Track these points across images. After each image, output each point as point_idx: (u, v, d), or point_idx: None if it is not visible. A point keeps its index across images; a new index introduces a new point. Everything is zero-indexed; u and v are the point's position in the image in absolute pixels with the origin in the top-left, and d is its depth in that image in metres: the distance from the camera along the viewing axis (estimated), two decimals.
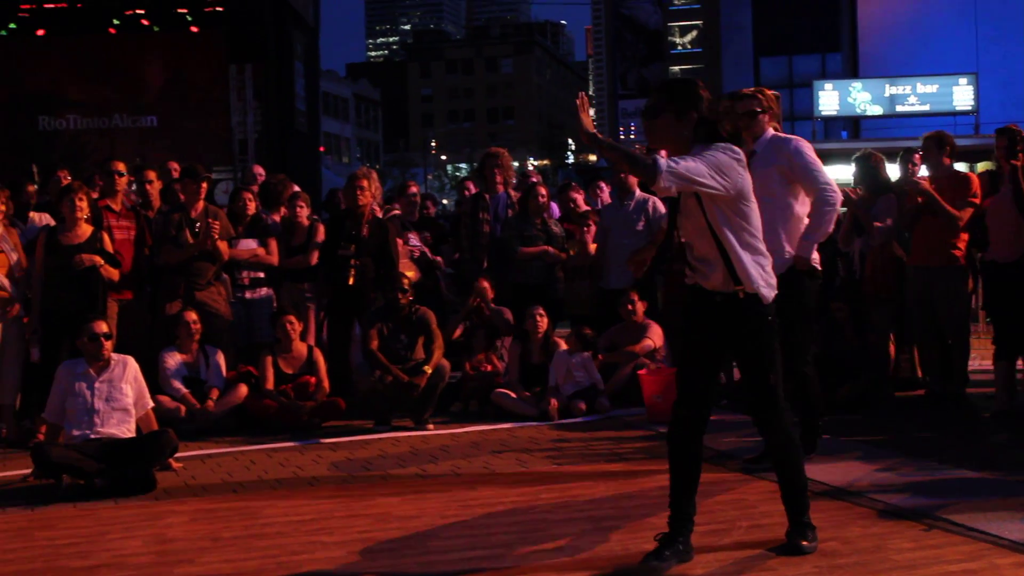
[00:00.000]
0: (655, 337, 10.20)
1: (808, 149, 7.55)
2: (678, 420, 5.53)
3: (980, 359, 10.77)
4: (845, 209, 11.00)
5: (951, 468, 7.29)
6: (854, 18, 41.90)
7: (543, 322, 10.03)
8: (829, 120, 37.87)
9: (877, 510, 6.26)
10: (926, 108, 35.81)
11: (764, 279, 5.39)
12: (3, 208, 9.27)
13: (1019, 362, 9.77)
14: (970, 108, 36.03)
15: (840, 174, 15.22)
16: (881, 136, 31.34)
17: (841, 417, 9.20)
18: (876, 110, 36.79)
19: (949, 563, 5.25)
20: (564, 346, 9.99)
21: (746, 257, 5.32)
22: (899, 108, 36.38)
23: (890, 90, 36.78)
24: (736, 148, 5.31)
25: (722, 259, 5.31)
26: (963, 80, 36.51)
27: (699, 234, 5.37)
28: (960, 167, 10.54)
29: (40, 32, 23.06)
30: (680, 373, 5.72)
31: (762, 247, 5.43)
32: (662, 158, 5.14)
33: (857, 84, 37.86)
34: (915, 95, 36.60)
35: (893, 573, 5.12)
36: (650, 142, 5.72)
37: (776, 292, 5.46)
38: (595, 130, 5.34)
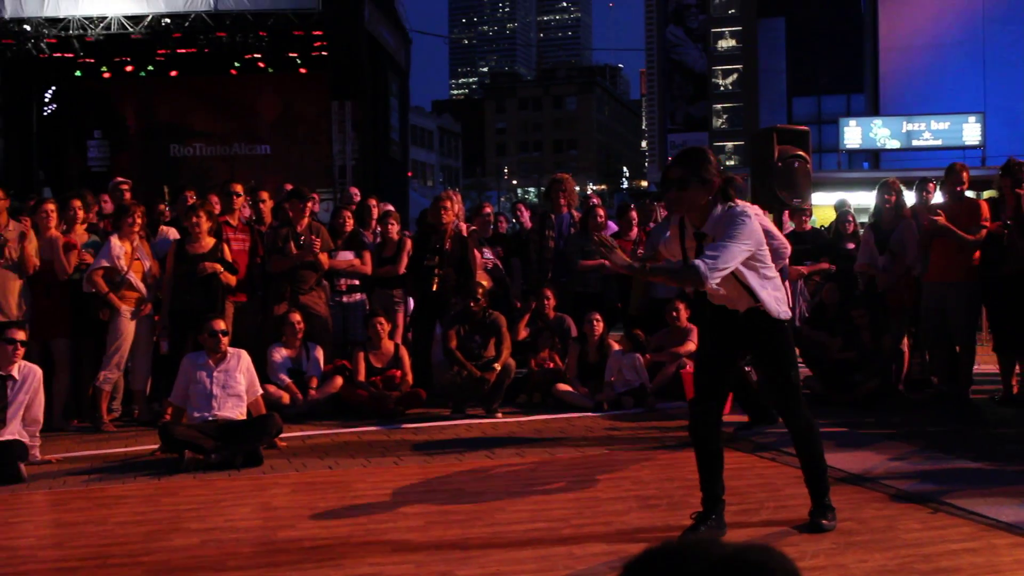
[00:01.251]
0: (696, 340, 10.13)
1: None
2: (695, 416, 5.54)
3: (983, 363, 10.60)
4: (863, 231, 10.91)
5: (955, 458, 7.19)
6: (876, 63, 41.43)
7: (599, 326, 10.00)
8: (853, 152, 37.51)
9: (889, 494, 6.19)
10: (939, 143, 35.40)
11: (779, 304, 5.43)
12: (140, 222, 9.42)
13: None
14: (978, 143, 35.56)
15: (862, 200, 15.08)
16: (899, 167, 30.91)
17: (859, 412, 9.11)
18: (894, 144, 36.38)
19: (952, 542, 5.18)
20: (617, 347, 9.96)
21: (763, 290, 5.36)
22: (915, 142, 35.96)
23: (907, 126, 36.35)
24: (749, 210, 5.30)
25: (746, 292, 5.36)
26: (972, 118, 36.06)
27: (724, 280, 5.30)
28: (969, 195, 10.40)
29: (173, 73, 23.46)
30: (697, 376, 5.77)
31: (775, 276, 5.48)
32: (701, 264, 5.06)
33: (878, 121, 37.47)
34: (929, 131, 36.17)
35: (902, 550, 5.05)
36: (675, 210, 5.50)
37: (790, 314, 5.54)
38: (630, 261, 5.31)
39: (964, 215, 9.54)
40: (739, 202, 5.30)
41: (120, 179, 11.69)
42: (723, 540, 1.27)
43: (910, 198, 10.63)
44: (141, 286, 9.27)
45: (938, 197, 10.45)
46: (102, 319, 9.18)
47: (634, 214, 11.76)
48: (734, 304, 5.44)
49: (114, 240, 9.22)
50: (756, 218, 5.42)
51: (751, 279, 5.31)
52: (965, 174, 9.76)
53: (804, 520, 5.50)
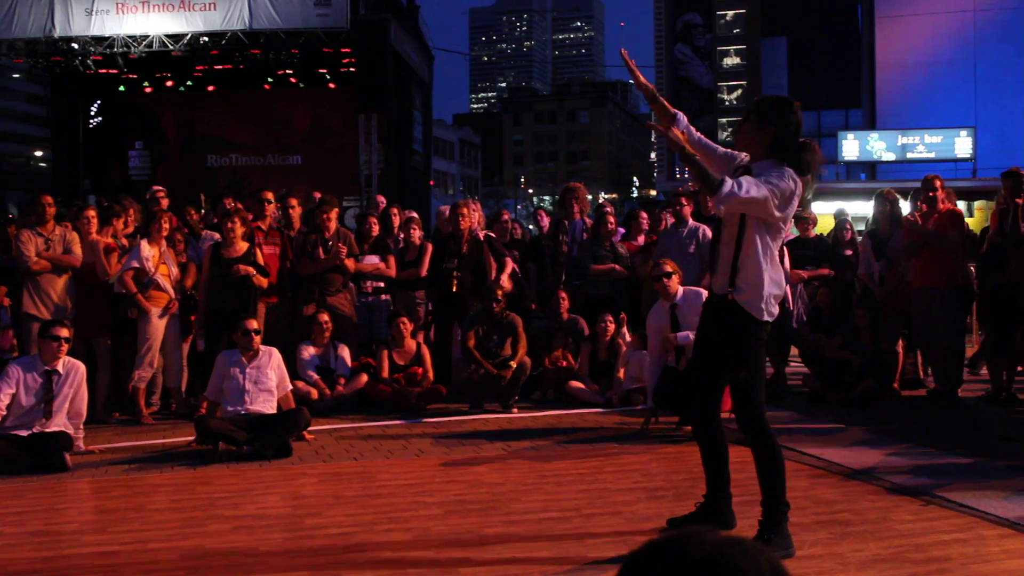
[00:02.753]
0: None
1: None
2: (693, 414, 5.40)
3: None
4: (861, 239, 10.87)
5: (947, 454, 7.15)
6: (872, 80, 41.30)
7: (611, 327, 9.96)
8: (850, 164, 37.36)
9: (883, 488, 6.15)
10: (932, 155, 35.23)
11: (763, 301, 4.92)
12: (167, 227, 9.42)
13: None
14: (969, 156, 35.40)
15: (860, 209, 15.02)
16: (894, 178, 30.79)
17: (855, 410, 9.06)
18: (890, 156, 36.23)
19: (943, 533, 5.14)
20: (624, 349, 9.91)
21: (756, 274, 4.90)
22: (909, 155, 35.80)
23: (902, 140, 36.21)
24: (798, 179, 4.83)
25: (731, 266, 4.93)
26: (963, 132, 35.90)
27: (728, 241, 4.99)
28: (960, 205, 10.38)
29: (210, 88, 23.55)
30: (692, 374, 5.49)
31: (779, 275, 5.04)
32: (729, 181, 4.70)
33: (874, 135, 37.33)
34: (923, 144, 36.01)
35: (896, 540, 5.02)
36: (735, 144, 5.20)
37: (771, 319, 4.99)
38: (684, 144, 4.85)
39: (942, 223, 9.53)
40: (797, 177, 4.83)
41: (157, 187, 11.72)
42: (708, 535, 1.26)
43: (905, 207, 10.59)
44: (168, 288, 9.28)
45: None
46: (131, 317, 9.20)
47: (644, 217, 11.75)
48: (715, 283, 5.07)
49: (143, 244, 9.24)
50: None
51: (756, 252, 4.91)
52: (938, 182, 9.73)
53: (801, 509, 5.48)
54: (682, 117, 4.98)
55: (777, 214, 4.84)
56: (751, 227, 4.91)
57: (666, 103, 5.07)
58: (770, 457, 5.03)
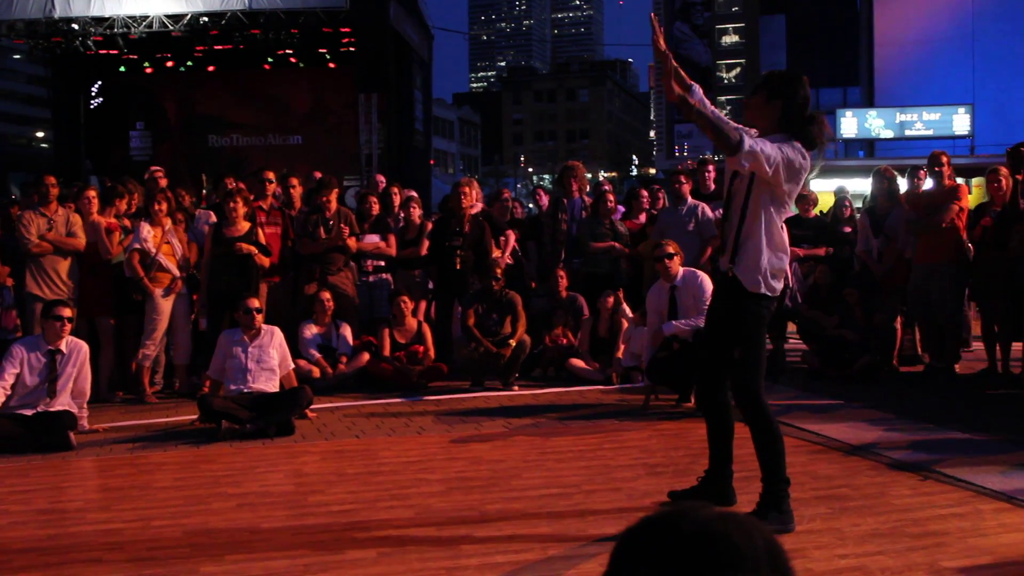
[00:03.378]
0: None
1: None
2: (699, 390, 5.42)
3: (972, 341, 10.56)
4: (859, 216, 10.85)
5: (944, 429, 7.16)
6: (871, 58, 41.16)
7: (610, 303, 9.94)
8: (849, 142, 37.28)
9: (882, 463, 6.17)
10: (930, 132, 35.13)
11: (760, 271, 4.88)
12: (165, 207, 9.39)
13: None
14: (967, 133, 35.33)
15: (858, 186, 14.99)
16: (892, 156, 30.69)
17: (854, 386, 9.07)
18: (888, 134, 36.13)
19: (940, 507, 5.16)
20: (626, 325, 9.90)
21: (756, 248, 4.87)
22: (907, 132, 35.70)
23: (900, 117, 36.11)
24: (806, 153, 4.82)
25: (735, 240, 4.92)
26: (962, 109, 35.80)
27: (732, 216, 4.96)
28: (960, 180, 10.37)
29: (210, 68, 23.48)
30: (701, 350, 5.52)
31: (782, 251, 4.96)
32: (748, 137, 4.68)
33: (872, 112, 37.23)
34: (921, 121, 35.91)
35: (894, 515, 5.04)
36: (744, 117, 5.14)
37: (773, 293, 4.94)
38: (684, 93, 4.79)
39: (943, 199, 9.53)
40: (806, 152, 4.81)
41: (155, 168, 11.68)
42: (702, 510, 1.25)
43: (903, 184, 10.57)
44: (172, 267, 9.27)
45: (928, 184, 10.40)
46: (136, 300, 9.19)
47: (644, 195, 11.75)
48: (723, 261, 5.04)
49: (143, 225, 9.22)
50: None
51: (757, 227, 4.86)
52: (944, 158, 9.73)
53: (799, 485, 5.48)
54: (697, 88, 4.92)
55: (785, 186, 4.81)
56: (755, 200, 4.88)
57: (683, 73, 4.98)
58: (768, 437, 5.01)
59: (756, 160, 4.67)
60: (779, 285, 5.01)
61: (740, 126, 4.86)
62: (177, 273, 9.29)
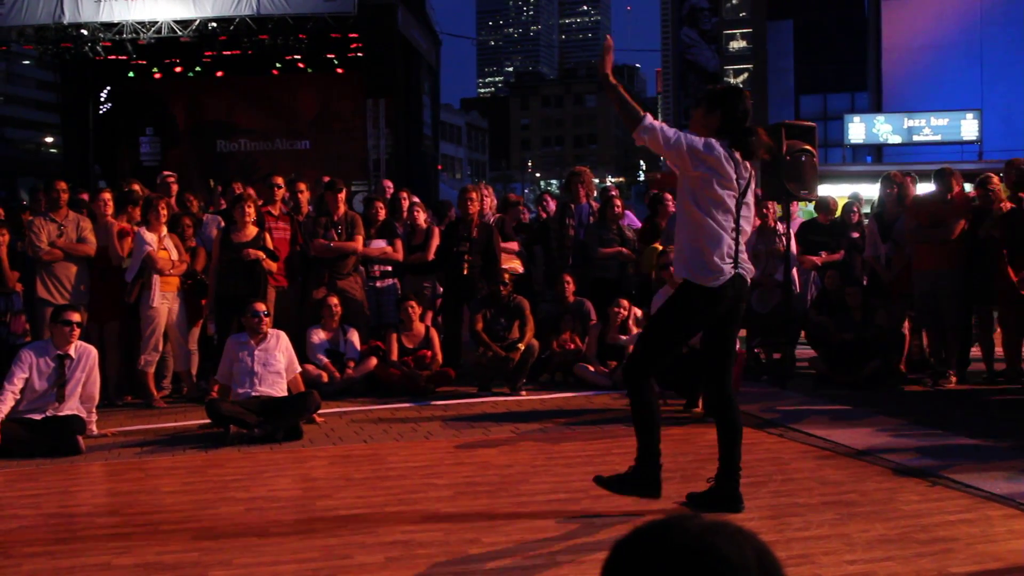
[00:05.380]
0: None
1: None
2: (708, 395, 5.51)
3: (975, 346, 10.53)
4: (868, 221, 10.84)
5: (952, 435, 7.14)
6: (878, 63, 41.05)
7: (623, 312, 9.89)
8: (856, 147, 37.19)
9: (889, 468, 6.15)
10: (938, 138, 35.05)
11: (685, 263, 5.16)
12: (165, 213, 9.40)
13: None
14: (975, 138, 35.21)
15: (865, 191, 14.96)
16: (900, 161, 30.59)
17: (862, 391, 9.06)
18: (896, 139, 36.06)
19: (949, 513, 5.14)
20: (636, 330, 9.89)
21: (680, 240, 5.21)
22: (915, 138, 35.62)
23: (908, 122, 36.03)
24: (721, 148, 5.05)
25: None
26: (970, 115, 35.69)
27: (679, 222, 5.33)
28: (967, 188, 10.37)
29: (219, 73, 23.52)
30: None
31: (712, 243, 5.07)
32: (650, 116, 5.07)
33: (880, 117, 37.14)
34: (929, 127, 35.82)
35: (902, 521, 5.03)
36: (690, 128, 5.39)
37: (700, 282, 5.09)
38: (608, 72, 5.20)
39: (949, 214, 9.53)
40: (723, 147, 5.05)
41: (167, 172, 11.72)
42: (692, 521, 1.26)
43: (916, 189, 10.60)
44: (168, 273, 9.26)
45: (919, 191, 10.48)
46: (128, 302, 9.18)
47: (669, 199, 11.75)
48: None
49: (143, 231, 9.23)
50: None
51: (680, 219, 5.25)
52: (955, 182, 9.73)
53: (807, 491, 5.48)
54: (647, 118, 5.11)
55: (693, 172, 5.05)
56: (680, 196, 5.25)
57: (633, 103, 5.17)
58: (637, 412, 5.29)
59: (653, 136, 5.02)
60: (713, 277, 5.09)
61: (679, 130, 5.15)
62: (172, 279, 9.28)
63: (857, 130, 36.38)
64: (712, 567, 1.19)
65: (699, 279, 5.10)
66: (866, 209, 12.47)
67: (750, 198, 5.27)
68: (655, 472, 5.25)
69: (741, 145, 5.14)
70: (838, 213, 11.53)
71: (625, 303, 9.93)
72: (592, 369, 9.83)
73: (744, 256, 5.24)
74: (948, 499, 5.43)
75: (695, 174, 5.06)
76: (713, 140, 5.09)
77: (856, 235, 11.02)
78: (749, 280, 5.32)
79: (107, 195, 9.65)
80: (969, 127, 35.44)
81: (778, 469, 6.21)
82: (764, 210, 10.41)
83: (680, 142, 5.02)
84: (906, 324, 10.14)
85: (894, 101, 39.33)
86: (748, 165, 5.26)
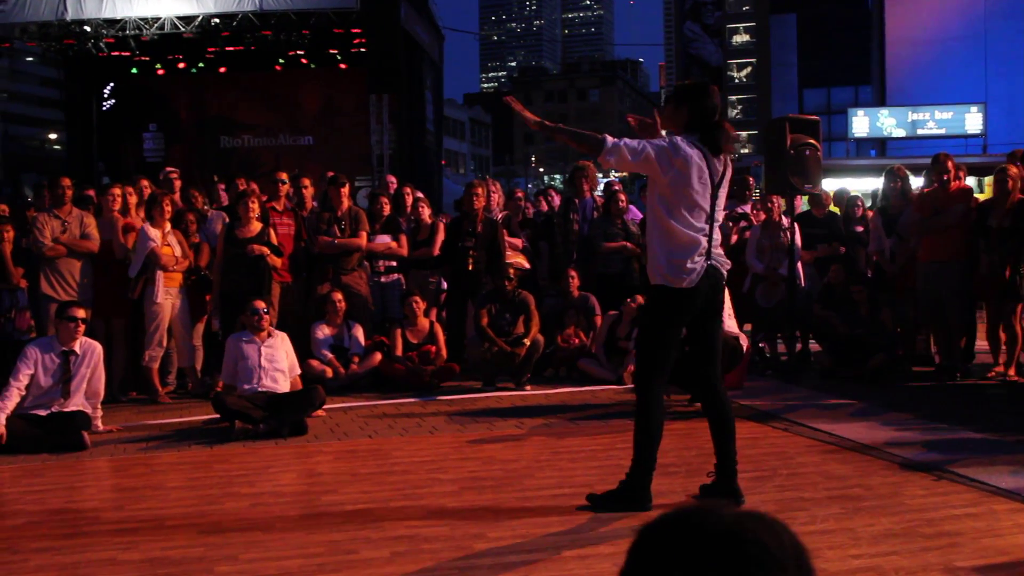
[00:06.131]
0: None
1: None
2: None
3: (980, 339, 10.50)
4: (871, 215, 10.82)
5: (958, 429, 7.14)
6: (882, 57, 40.98)
7: (635, 309, 9.82)
8: (860, 141, 37.16)
9: (895, 463, 6.14)
10: (942, 131, 35.02)
11: (655, 265, 5.19)
12: (169, 210, 9.41)
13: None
14: (979, 132, 35.19)
15: (869, 185, 14.96)
16: (904, 155, 30.55)
17: (866, 386, 9.05)
18: (900, 133, 36.02)
19: (954, 508, 5.14)
20: None
21: (651, 244, 5.25)
22: (919, 131, 35.59)
23: (912, 116, 36.00)
24: (688, 149, 5.07)
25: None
26: (974, 108, 35.66)
27: (649, 227, 5.38)
28: (970, 180, 10.34)
29: (222, 69, 23.54)
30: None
31: (683, 244, 5.11)
32: (611, 137, 5.10)
33: (884, 111, 37.10)
34: (933, 120, 35.79)
35: (907, 515, 5.02)
36: (660, 123, 5.43)
37: (673, 285, 5.13)
38: (539, 119, 5.31)
39: (950, 201, 9.51)
40: (688, 145, 5.07)
41: (170, 168, 11.72)
42: (725, 509, 1.24)
43: (916, 183, 10.56)
44: (172, 269, 9.27)
45: (919, 183, 10.42)
46: (132, 297, 9.19)
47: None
48: None
49: (147, 226, 9.24)
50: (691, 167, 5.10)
51: (650, 222, 5.30)
52: (950, 163, 9.66)
53: (814, 486, 5.48)
54: (608, 141, 5.13)
55: (663, 177, 5.08)
56: (650, 201, 5.29)
57: (583, 131, 5.33)
58: (640, 430, 5.29)
59: (619, 154, 5.04)
60: (686, 279, 5.13)
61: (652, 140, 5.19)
62: (175, 275, 9.29)
63: (861, 124, 36.36)
64: (752, 554, 1.18)
65: (674, 283, 5.15)
66: (869, 203, 12.45)
67: (724, 188, 5.30)
68: (644, 486, 5.25)
69: (708, 140, 5.17)
70: (832, 207, 11.52)
71: (641, 299, 9.83)
72: (596, 365, 9.81)
73: (718, 248, 5.27)
74: (954, 493, 5.43)
75: (665, 180, 5.10)
76: (679, 139, 5.13)
77: (860, 229, 11.01)
78: (725, 271, 5.31)
79: (116, 191, 9.66)
80: (973, 120, 35.41)
81: (783, 463, 6.21)
82: (769, 204, 10.40)
83: (646, 150, 5.07)
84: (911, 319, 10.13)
85: (898, 95, 39.28)
86: (723, 156, 5.27)
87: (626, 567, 1.25)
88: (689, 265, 5.13)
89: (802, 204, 12.03)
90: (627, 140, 5.12)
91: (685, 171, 5.07)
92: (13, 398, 7.22)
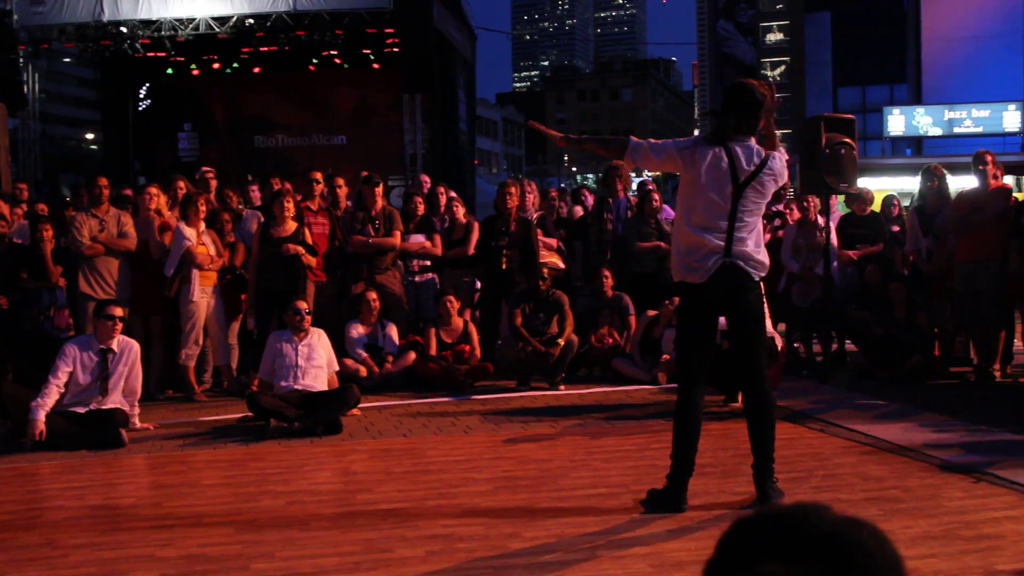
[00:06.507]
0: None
1: None
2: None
3: (1019, 340, 10.39)
4: (908, 215, 10.73)
5: (996, 431, 7.06)
6: (918, 54, 40.60)
7: (672, 311, 9.75)
8: (896, 139, 36.82)
9: (933, 464, 6.08)
10: (979, 130, 34.63)
11: (675, 259, 5.33)
12: (204, 209, 9.48)
13: None
14: (1017, 130, 34.78)
15: (905, 185, 14.84)
16: (940, 153, 30.27)
17: (903, 387, 8.97)
18: (936, 131, 35.67)
19: (994, 510, 5.09)
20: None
21: (674, 240, 5.39)
22: (956, 130, 35.22)
23: (948, 114, 35.63)
24: (703, 144, 5.19)
25: None
26: (1012, 106, 35.25)
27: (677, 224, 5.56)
28: (1008, 179, 10.21)
29: (256, 69, 23.65)
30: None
31: (694, 239, 5.18)
32: (634, 138, 5.27)
33: (920, 109, 36.75)
34: (970, 119, 35.41)
35: (946, 517, 4.97)
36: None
37: (686, 277, 5.23)
38: (563, 135, 5.58)
39: (989, 199, 9.40)
40: (708, 144, 5.18)
41: (206, 168, 11.81)
42: (826, 511, 1.22)
43: (955, 182, 10.46)
44: (207, 268, 9.34)
45: (960, 182, 10.30)
46: (168, 296, 9.26)
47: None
48: None
49: (182, 225, 9.31)
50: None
51: (676, 219, 5.48)
52: (989, 156, 9.56)
53: (850, 487, 5.44)
54: (632, 142, 5.31)
55: (684, 175, 5.23)
56: (677, 198, 5.50)
57: (605, 137, 5.67)
58: (674, 429, 5.37)
59: (642, 153, 5.23)
60: (697, 275, 5.20)
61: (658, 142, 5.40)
62: (210, 273, 9.36)
63: (897, 122, 36.03)
64: (857, 559, 1.16)
65: (687, 277, 5.25)
66: (905, 202, 12.34)
67: (760, 184, 5.19)
68: (681, 487, 5.24)
69: (725, 125, 5.22)
70: (877, 207, 11.42)
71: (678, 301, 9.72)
72: (630, 364, 9.78)
73: (744, 247, 5.17)
74: (993, 496, 5.37)
75: (687, 177, 5.21)
76: (701, 138, 5.27)
77: (896, 229, 10.91)
78: (750, 269, 5.21)
79: (153, 189, 9.76)
80: (1011, 119, 35.02)
81: (819, 464, 6.17)
82: (805, 203, 10.33)
83: (667, 147, 5.27)
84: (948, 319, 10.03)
85: (934, 93, 38.89)
86: (761, 151, 5.20)
87: (715, 558, 1.23)
88: (696, 262, 5.17)
89: (837, 203, 11.95)
90: (651, 140, 5.27)
91: (699, 169, 5.14)
92: (52, 395, 7.31)
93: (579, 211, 11.91)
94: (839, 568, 1.15)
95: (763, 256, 5.30)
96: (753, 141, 5.26)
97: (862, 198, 10.93)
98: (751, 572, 1.16)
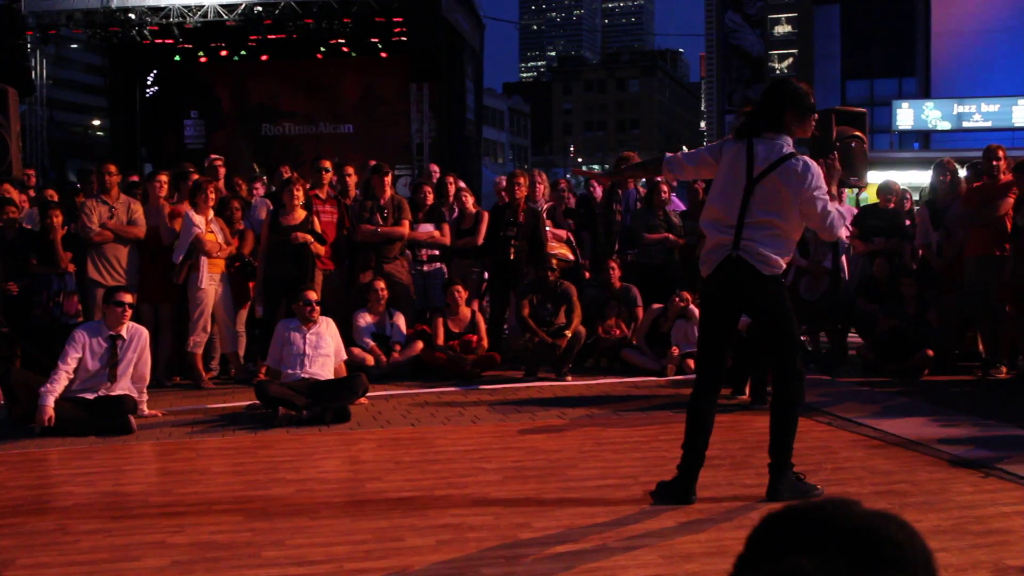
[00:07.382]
0: None
1: None
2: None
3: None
4: (918, 208, 10.71)
5: (1006, 426, 7.06)
6: (927, 48, 40.53)
7: (680, 303, 9.73)
8: (904, 133, 36.79)
9: (942, 459, 6.09)
10: (988, 124, 34.58)
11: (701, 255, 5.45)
12: (213, 197, 9.49)
13: None
14: None
15: (913, 179, 14.82)
16: (948, 147, 30.23)
17: (911, 381, 8.97)
18: (945, 125, 35.62)
19: (1003, 505, 5.09)
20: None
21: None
22: (965, 124, 35.18)
23: (958, 108, 35.58)
24: (728, 143, 5.27)
25: None
26: (1021, 101, 35.19)
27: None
28: None
29: (264, 57, 23.63)
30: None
31: (705, 232, 5.37)
32: (668, 153, 5.57)
33: (929, 103, 36.70)
34: (979, 113, 35.36)
35: (954, 512, 4.97)
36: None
37: (701, 271, 5.36)
38: (603, 173, 5.90)
39: (998, 193, 9.38)
40: (734, 141, 5.26)
41: (214, 156, 11.82)
42: (855, 505, 1.23)
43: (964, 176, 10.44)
44: (216, 255, 9.35)
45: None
46: (177, 283, 9.27)
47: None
48: None
49: (191, 213, 9.32)
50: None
51: None
52: (1000, 151, 9.54)
53: (860, 480, 5.44)
54: (667, 156, 5.64)
55: (709, 172, 5.43)
56: None
57: (641, 160, 6.14)
58: (688, 412, 5.44)
59: (678, 164, 5.51)
60: (706, 267, 5.29)
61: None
62: (218, 261, 9.37)
63: (905, 116, 35.98)
64: (887, 552, 1.17)
65: (701, 270, 5.39)
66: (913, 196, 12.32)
67: (771, 183, 5.06)
68: (691, 479, 5.25)
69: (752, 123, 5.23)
70: (867, 197, 11.39)
71: (688, 296, 9.68)
72: (638, 355, 9.78)
73: (754, 243, 5.08)
74: (1002, 491, 5.37)
75: (716, 174, 5.35)
76: (730, 138, 5.33)
77: (908, 222, 10.89)
78: (756, 264, 5.10)
79: (163, 177, 9.77)
80: (1021, 113, 34.98)
81: (828, 458, 6.17)
82: None
83: (699, 152, 5.50)
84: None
85: (943, 87, 38.83)
86: (785, 149, 5.08)
87: (745, 552, 1.24)
88: (706, 255, 5.31)
89: (846, 196, 11.92)
90: (684, 150, 5.42)
91: (722, 165, 5.27)
92: (61, 381, 7.33)
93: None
94: (868, 561, 1.16)
95: (777, 256, 5.12)
96: (784, 139, 5.13)
97: (891, 189, 10.85)
98: (779, 566, 1.17)
